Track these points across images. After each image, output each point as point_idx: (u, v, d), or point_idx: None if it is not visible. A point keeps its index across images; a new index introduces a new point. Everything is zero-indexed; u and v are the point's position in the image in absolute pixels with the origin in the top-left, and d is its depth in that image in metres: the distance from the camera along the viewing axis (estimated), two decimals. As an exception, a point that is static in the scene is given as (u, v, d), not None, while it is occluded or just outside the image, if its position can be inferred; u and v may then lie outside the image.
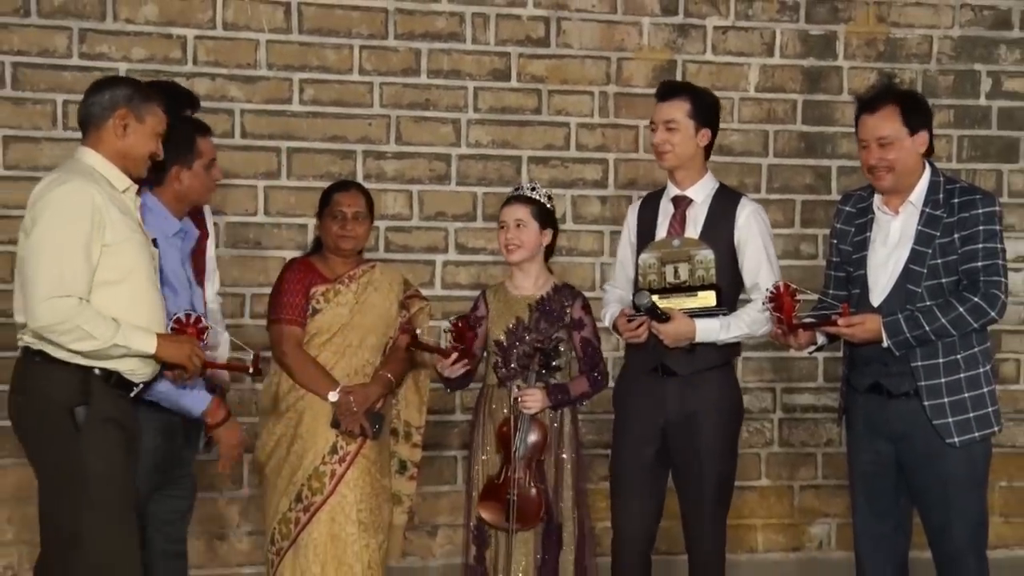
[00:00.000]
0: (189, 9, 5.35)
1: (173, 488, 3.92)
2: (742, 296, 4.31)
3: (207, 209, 4.30)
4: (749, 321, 4.15)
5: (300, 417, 4.30)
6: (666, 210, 4.24)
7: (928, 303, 3.91)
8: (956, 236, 3.92)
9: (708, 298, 4.12)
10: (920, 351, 3.93)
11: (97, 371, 3.51)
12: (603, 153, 5.77)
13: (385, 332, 4.37)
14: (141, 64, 5.28)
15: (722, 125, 5.30)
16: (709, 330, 4.11)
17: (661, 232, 4.20)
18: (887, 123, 3.95)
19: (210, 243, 4.27)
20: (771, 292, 3.97)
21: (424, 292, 4.61)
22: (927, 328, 3.90)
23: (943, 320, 3.89)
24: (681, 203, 4.22)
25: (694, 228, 4.18)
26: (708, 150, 4.23)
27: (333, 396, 4.26)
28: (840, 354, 4.22)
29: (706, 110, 4.17)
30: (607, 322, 4.32)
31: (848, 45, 5.91)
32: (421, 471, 4.59)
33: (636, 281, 4.22)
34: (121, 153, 3.62)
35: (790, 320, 3.93)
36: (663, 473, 4.22)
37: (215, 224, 4.47)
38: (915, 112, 3.99)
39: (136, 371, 3.58)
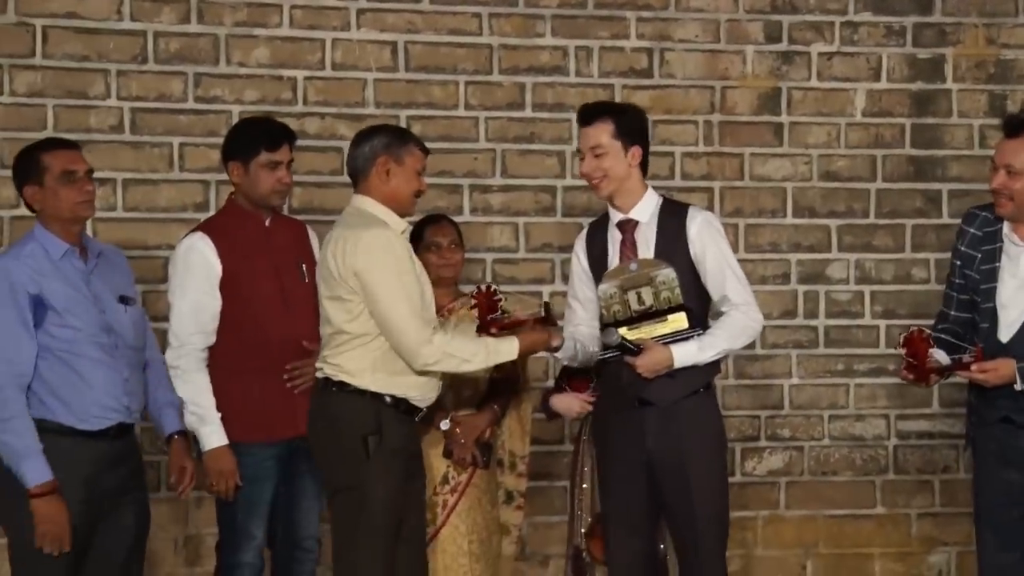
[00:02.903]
0: (299, 51, 5.56)
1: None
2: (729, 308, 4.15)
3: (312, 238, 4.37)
4: (727, 336, 4.06)
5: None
6: (614, 237, 4.13)
7: None
8: None
9: (679, 320, 4.02)
10: None
11: (388, 399, 3.88)
12: (708, 182, 5.86)
13: None
14: (253, 105, 5.51)
15: (830, 151, 5.79)
16: (687, 354, 4.01)
17: (614, 261, 4.10)
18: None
19: None
20: (905, 338, 3.98)
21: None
22: None
23: None
24: (627, 227, 4.12)
25: (647, 249, 4.08)
26: (644, 167, 4.11)
27: (444, 424, 4.37)
28: (958, 379, 4.24)
29: (631, 127, 4.05)
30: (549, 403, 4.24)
31: (957, 68, 5.94)
32: (528, 501, 4.69)
33: (600, 316, 4.11)
34: (389, 196, 3.94)
35: (925, 368, 3.92)
36: (656, 511, 4.13)
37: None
38: None
39: (423, 396, 3.95)
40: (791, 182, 5.94)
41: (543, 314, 4.04)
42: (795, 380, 5.89)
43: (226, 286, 4.24)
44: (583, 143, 4.08)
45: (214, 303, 4.25)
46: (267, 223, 4.34)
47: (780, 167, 5.94)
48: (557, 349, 4.06)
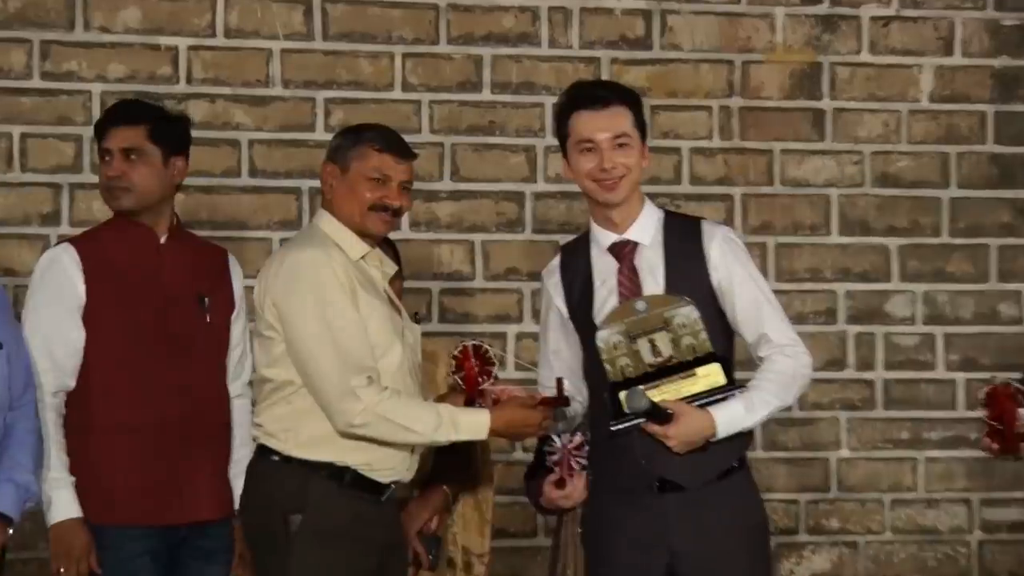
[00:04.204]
0: (181, 13, 5.38)
1: None
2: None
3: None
4: (776, 389, 3.93)
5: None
6: (604, 267, 4.00)
7: None
8: None
9: (713, 374, 3.88)
10: None
11: (323, 468, 3.83)
12: (726, 187, 5.71)
13: None
14: (120, 84, 5.28)
15: (887, 147, 5.77)
16: (732, 418, 3.86)
17: (608, 299, 3.96)
18: None
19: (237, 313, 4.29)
20: (987, 394, 3.94)
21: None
22: None
23: None
24: (624, 251, 3.98)
25: (654, 281, 3.94)
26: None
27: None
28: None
29: (642, 116, 4.02)
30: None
31: (1054, 37, 6.02)
32: (488, 612, 4.67)
33: (592, 371, 3.97)
34: (339, 214, 3.97)
35: (1014, 434, 3.90)
36: None
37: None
38: None
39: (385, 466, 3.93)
40: (836, 188, 5.81)
41: (556, 392, 3.96)
42: (845, 452, 5.80)
43: (91, 316, 4.13)
44: (595, 132, 3.94)
45: (73, 335, 4.14)
46: (161, 240, 4.21)
47: (821, 168, 5.82)
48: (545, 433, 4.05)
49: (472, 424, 3.88)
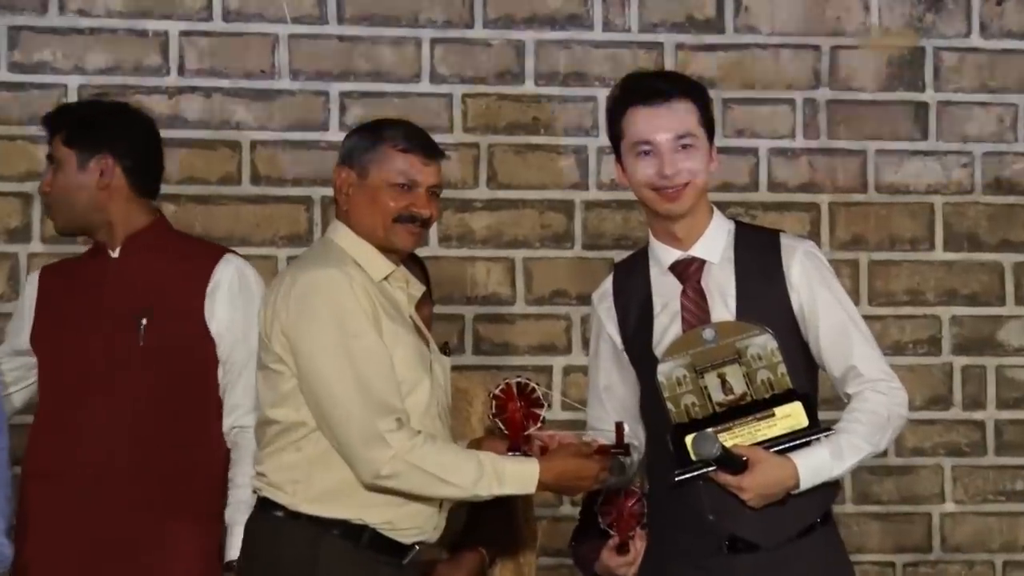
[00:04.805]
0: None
1: None
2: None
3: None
4: (867, 432, 3.84)
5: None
6: (665, 289, 3.92)
7: None
8: None
9: (794, 415, 3.81)
10: None
11: (336, 526, 3.79)
12: (811, 195, 5.50)
13: None
14: (101, 76, 5.12)
15: (1001, 147, 5.71)
16: (818, 467, 3.80)
17: (670, 327, 3.88)
18: None
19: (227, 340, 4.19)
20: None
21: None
22: None
23: None
24: (689, 270, 3.92)
25: (724, 305, 3.86)
26: None
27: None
28: None
29: (710, 112, 3.97)
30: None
31: None
32: None
33: (651, 411, 3.90)
34: (358, 226, 3.95)
35: None
36: None
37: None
38: None
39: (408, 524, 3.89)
40: (942, 195, 5.61)
41: (616, 439, 3.90)
42: (950, 506, 5.60)
43: (36, 343, 4.21)
44: (653, 132, 3.84)
45: (17, 361, 4.25)
46: (114, 255, 4.18)
47: (924, 172, 5.62)
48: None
49: (519, 476, 3.80)
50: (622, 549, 3.93)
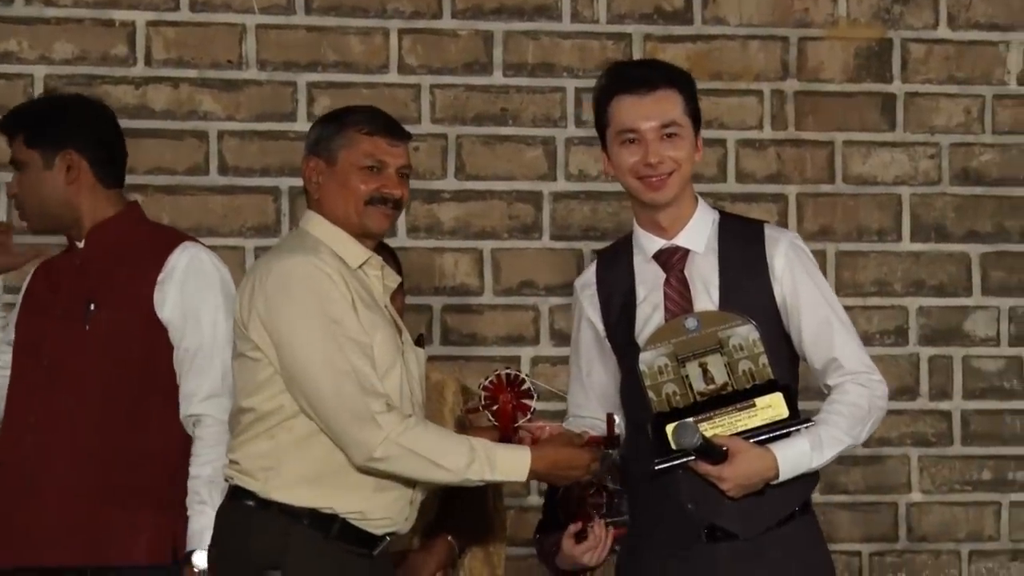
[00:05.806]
0: None
1: None
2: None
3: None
4: (848, 423, 3.85)
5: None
6: (648, 277, 3.93)
7: None
8: None
9: (775, 405, 3.81)
10: None
11: (306, 515, 3.77)
12: (779, 186, 5.55)
13: None
14: (67, 66, 5.14)
15: (968, 138, 5.72)
16: (797, 458, 3.80)
17: (652, 315, 3.88)
18: None
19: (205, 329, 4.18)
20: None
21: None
22: None
23: None
24: (672, 259, 3.91)
25: (707, 294, 3.87)
26: None
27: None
28: None
29: (695, 101, 3.97)
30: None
31: None
32: None
33: (631, 400, 3.90)
34: (330, 213, 3.95)
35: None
36: None
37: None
38: None
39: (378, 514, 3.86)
40: (909, 186, 5.68)
41: (607, 430, 3.90)
42: (917, 496, 5.66)
43: (14, 334, 4.28)
44: (638, 120, 3.86)
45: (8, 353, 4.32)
46: (80, 245, 4.18)
47: (892, 163, 5.68)
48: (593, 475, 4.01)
49: (511, 463, 3.77)
50: (580, 536, 3.94)
